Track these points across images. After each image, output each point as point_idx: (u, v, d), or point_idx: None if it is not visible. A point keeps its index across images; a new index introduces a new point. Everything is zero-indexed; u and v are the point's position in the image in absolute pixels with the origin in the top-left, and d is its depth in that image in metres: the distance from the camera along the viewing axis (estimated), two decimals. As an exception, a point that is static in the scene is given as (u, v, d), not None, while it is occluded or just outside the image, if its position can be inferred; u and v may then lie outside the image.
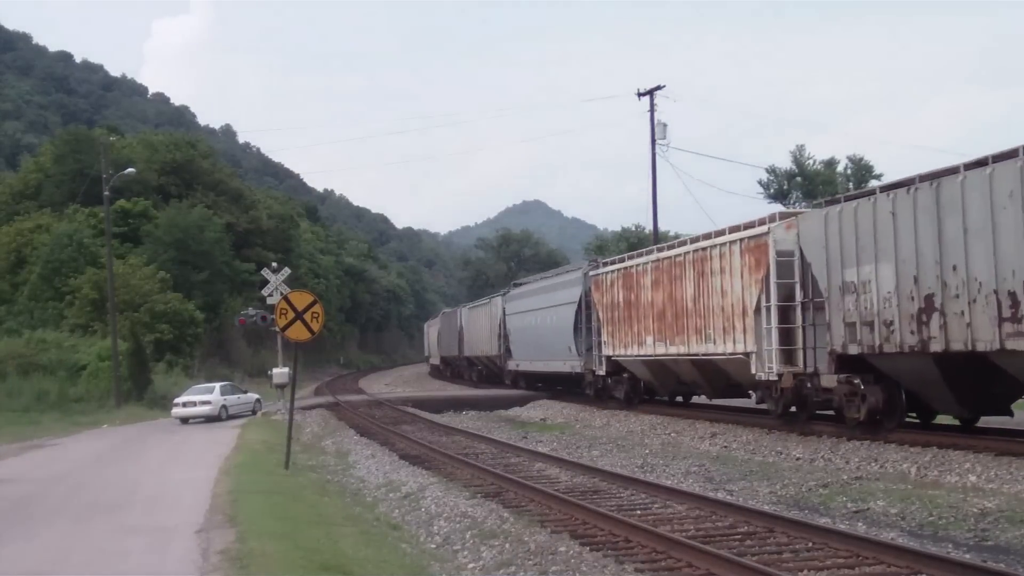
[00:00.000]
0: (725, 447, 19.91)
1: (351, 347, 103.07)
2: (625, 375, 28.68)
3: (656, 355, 25.52)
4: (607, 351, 28.90)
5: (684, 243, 24.73)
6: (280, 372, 32.02)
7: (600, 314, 29.36)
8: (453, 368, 59.66)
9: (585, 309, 30.73)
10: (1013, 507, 11.81)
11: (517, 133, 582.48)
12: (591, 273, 30.47)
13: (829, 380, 18.45)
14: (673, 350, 24.31)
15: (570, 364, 32.26)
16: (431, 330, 71.82)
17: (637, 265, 26.77)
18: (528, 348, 37.60)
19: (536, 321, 36.04)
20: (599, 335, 29.48)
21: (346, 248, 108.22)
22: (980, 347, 14.61)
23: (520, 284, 42.87)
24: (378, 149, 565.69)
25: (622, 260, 28.73)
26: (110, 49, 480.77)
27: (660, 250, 26.18)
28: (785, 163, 59.53)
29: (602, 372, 29.62)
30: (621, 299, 27.71)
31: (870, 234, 16.95)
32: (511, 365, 40.91)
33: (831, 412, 19.68)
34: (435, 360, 68.75)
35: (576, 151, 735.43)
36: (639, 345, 26.44)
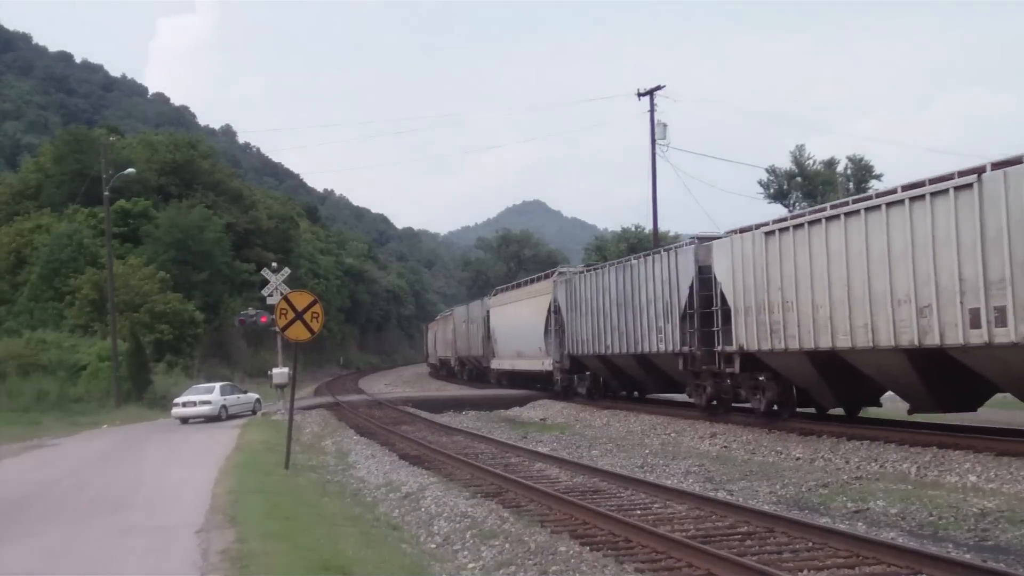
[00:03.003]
0: (725, 447, 19.92)
1: (351, 347, 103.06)
2: None
3: None
4: None
5: None
6: (280, 372, 32.03)
7: None
8: (589, 383, 32.40)
9: None
10: (1013, 507, 11.82)
11: (517, 133, 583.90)
12: None
13: None
14: None
15: None
16: (498, 311, 43.52)
17: None
18: None
19: None
20: None
21: (346, 248, 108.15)
22: None
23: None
24: (378, 149, 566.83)
25: None
26: (111, 49, 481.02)
27: None
28: (785, 163, 59.75)
29: None
30: None
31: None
32: None
33: None
34: (525, 362, 38.57)
35: (576, 151, 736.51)
36: None
